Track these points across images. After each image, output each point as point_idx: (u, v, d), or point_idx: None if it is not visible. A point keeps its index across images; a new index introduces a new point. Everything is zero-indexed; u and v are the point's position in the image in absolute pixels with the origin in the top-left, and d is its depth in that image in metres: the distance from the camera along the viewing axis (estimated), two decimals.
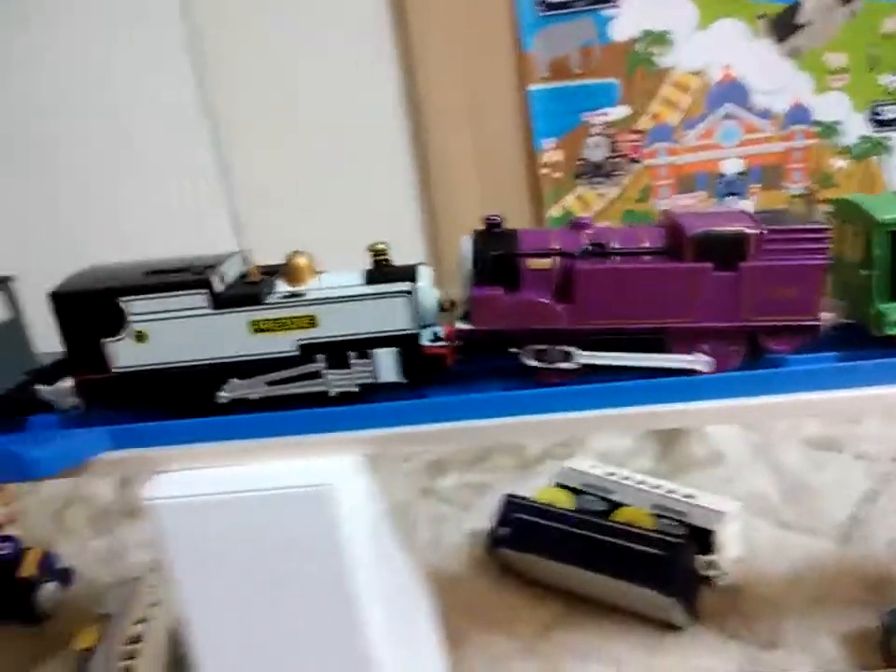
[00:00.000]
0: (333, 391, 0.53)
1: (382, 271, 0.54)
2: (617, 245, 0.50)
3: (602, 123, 1.13)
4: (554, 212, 1.17)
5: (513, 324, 0.51)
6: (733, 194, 1.14)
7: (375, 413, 0.52)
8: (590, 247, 0.50)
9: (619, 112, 1.13)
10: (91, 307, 0.53)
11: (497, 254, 0.51)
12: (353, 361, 0.53)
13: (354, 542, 0.48)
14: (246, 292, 0.53)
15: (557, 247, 0.50)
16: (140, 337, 0.53)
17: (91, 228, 1.22)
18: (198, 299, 0.52)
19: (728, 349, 0.51)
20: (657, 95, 1.11)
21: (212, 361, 0.53)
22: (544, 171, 1.16)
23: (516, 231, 0.52)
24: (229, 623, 0.50)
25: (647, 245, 0.50)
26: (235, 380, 0.53)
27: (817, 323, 0.50)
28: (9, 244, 1.22)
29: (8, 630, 0.82)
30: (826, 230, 0.49)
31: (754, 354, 0.51)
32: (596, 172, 1.15)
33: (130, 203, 1.22)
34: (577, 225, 0.52)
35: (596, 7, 1.08)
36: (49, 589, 0.84)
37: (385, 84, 1.14)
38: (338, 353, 0.53)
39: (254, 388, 0.53)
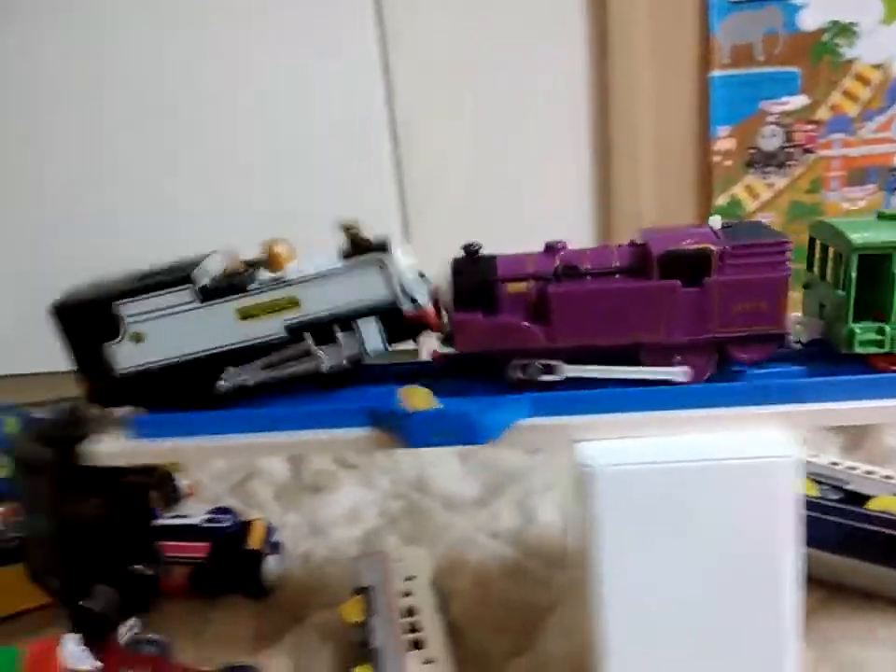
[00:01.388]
0: (325, 367, 0.55)
1: (355, 246, 0.56)
2: (588, 267, 0.53)
3: (779, 112, 1.13)
4: (721, 201, 1.17)
5: (494, 345, 0.53)
6: None
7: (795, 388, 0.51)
8: (562, 270, 0.53)
9: (797, 102, 1.12)
10: (89, 316, 0.56)
11: (476, 280, 0.53)
12: (339, 335, 0.55)
13: (796, 519, 0.47)
14: (230, 282, 0.56)
15: (532, 271, 0.53)
16: (137, 338, 0.56)
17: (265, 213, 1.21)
18: (185, 294, 0.55)
19: (699, 360, 0.53)
20: (838, 86, 1.11)
21: (206, 352, 0.56)
22: (716, 158, 1.15)
23: (495, 257, 0.55)
24: (649, 593, 0.49)
25: (617, 264, 0.53)
26: (231, 368, 0.56)
27: (782, 332, 0.52)
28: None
29: (236, 603, 0.80)
30: (785, 243, 0.51)
31: (723, 364, 0.54)
32: (768, 161, 1.15)
33: (300, 193, 1.21)
34: (551, 248, 0.55)
35: None
36: (273, 562, 0.83)
37: (572, 63, 1.13)
38: (324, 330, 0.55)
39: (250, 374, 0.56)
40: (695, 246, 0.50)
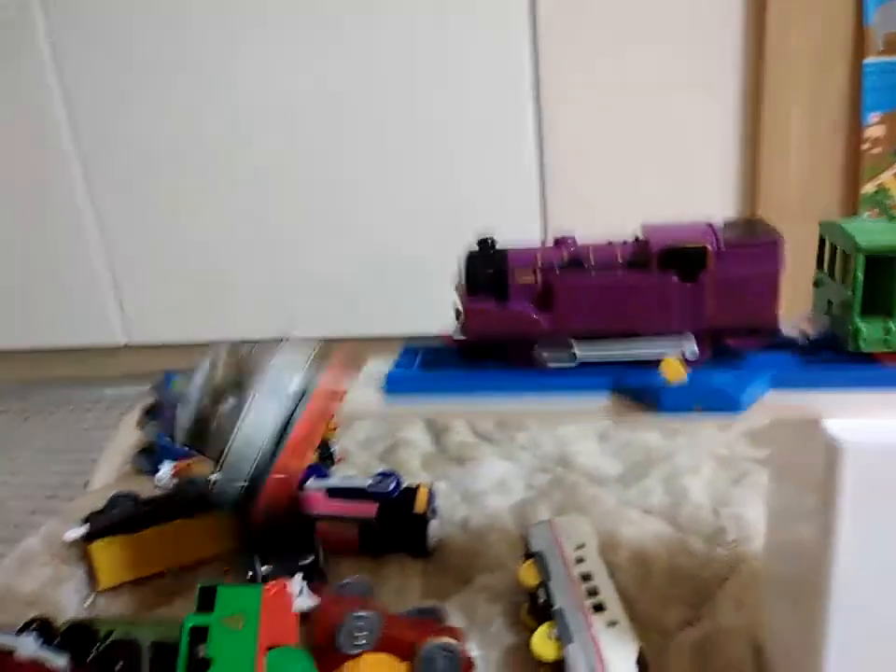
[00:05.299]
0: None
1: None
2: (593, 260, 0.56)
3: None
4: (869, 188, 1.16)
5: (503, 331, 0.57)
6: None
7: None
8: (567, 262, 0.56)
9: None
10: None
11: (488, 270, 0.57)
12: None
13: None
14: None
15: (540, 263, 0.56)
16: None
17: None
18: None
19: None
20: None
21: None
22: (865, 146, 1.14)
23: (507, 249, 0.58)
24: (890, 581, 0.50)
25: (620, 258, 0.56)
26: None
27: (774, 324, 0.55)
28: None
29: (403, 562, 0.84)
30: (775, 243, 0.53)
31: (719, 351, 0.56)
32: None
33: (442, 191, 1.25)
34: (559, 242, 0.58)
35: None
36: (435, 525, 0.87)
37: (727, 47, 1.14)
38: None
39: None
40: (692, 243, 0.53)
